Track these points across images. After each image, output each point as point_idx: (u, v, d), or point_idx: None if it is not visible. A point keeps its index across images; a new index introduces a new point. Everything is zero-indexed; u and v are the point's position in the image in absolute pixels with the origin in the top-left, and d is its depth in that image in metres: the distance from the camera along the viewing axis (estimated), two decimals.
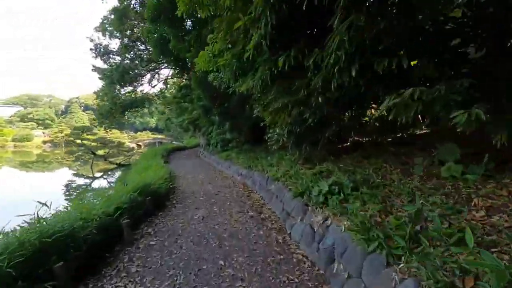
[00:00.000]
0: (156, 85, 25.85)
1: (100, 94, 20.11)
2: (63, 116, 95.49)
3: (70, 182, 21.35)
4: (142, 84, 23.97)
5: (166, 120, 35.01)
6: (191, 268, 3.99)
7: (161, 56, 16.33)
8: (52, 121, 62.91)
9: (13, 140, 42.73)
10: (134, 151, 28.65)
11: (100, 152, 25.09)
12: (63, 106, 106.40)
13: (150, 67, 23.51)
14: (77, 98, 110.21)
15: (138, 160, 17.77)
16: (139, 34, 19.37)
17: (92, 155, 23.24)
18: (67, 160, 24.79)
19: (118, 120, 21.87)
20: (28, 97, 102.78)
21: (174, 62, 15.62)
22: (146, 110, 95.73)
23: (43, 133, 46.66)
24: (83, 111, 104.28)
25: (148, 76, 24.37)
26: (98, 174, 24.16)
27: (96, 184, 21.45)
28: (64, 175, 22.45)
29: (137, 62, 20.67)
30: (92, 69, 19.87)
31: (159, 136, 53.91)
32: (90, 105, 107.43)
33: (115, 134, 47.78)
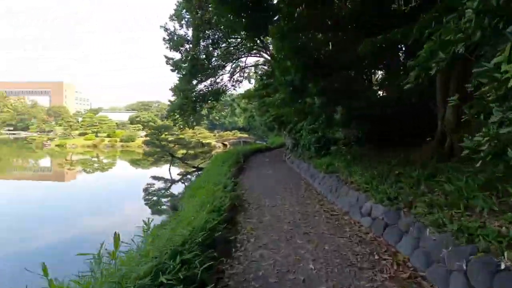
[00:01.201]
0: (238, 81, 22.18)
1: (175, 89, 17.48)
2: (167, 119, 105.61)
3: (149, 186, 19.58)
4: (221, 78, 20.59)
5: (248, 118, 31.54)
6: None
7: (234, 30, 12.15)
8: (154, 123, 68.81)
9: (121, 141, 46.97)
10: (213, 152, 26.04)
11: (180, 153, 23.01)
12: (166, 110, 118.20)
13: (229, 57, 19.91)
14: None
15: (208, 166, 14.19)
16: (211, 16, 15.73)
17: (170, 157, 21.13)
18: (148, 161, 23.65)
19: (192, 116, 19.10)
20: (142, 104, 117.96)
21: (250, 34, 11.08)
22: (236, 109, 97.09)
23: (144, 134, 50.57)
24: None
25: (228, 68, 20.82)
26: (177, 177, 22.10)
27: (175, 189, 19.13)
28: (144, 176, 20.82)
29: (211, 48, 17.16)
30: (166, 62, 17.35)
31: (244, 135, 51.84)
32: None
33: (204, 134, 47.67)
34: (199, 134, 46.39)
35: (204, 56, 17.45)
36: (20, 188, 20.95)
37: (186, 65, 17.12)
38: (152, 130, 20.83)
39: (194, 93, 17.36)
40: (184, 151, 21.52)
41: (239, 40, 19.09)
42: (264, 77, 20.59)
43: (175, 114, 17.78)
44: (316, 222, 5.29)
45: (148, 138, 20.96)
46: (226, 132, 63.71)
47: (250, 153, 19.39)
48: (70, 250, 8.54)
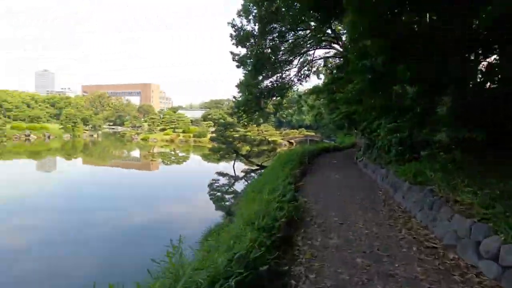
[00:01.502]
0: (306, 75, 20.73)
1: (240, 86, 17.09)
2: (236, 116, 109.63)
3: (214, 181, 19.88)
4: (288, 73, 19.48)
5: (315, 116, 29.69)
6: None
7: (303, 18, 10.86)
8: (224, 120, 71.86)
9: (193, 136, 50.20)
10: (278, 150, 25.13)
11: (244, 150, 22.82)
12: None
13: (297, 51, 18.62)
14: None
15: (270, 166, 13.27)
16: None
17: (234, 154, 21.06)
18: (214, 157, 24.16)
19: (257, 113, 18.45)
20: (214, 102, 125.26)
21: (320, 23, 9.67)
22: (304, 107, 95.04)
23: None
24: None
25: (295, 62, 19.58)
26: (241, 174, 21.99)
27: (238, 186, 19.00)
28: (210, 171, 21.25)
29: (277, 41, 16.17)
30: (232, 58, 17.09)
31: (310, 134, 49.66)
32: None
33: (270, 131, 47.35)
34: (265, 131, 46.25)
35: (270, 50, 16.57)
36: (116, 174, 24.25)
37: (251, 60, 16.53)
38: (218, 127, 21.06)
39: (259, 89, 16.66)
40: (248, 148, 21.22)
41: (307, 32, 17.64)
42: (335, 71, 18.69)
43: (240, 111, 17.42)
44: (404, 257, 3.77)
45: (214, 135, 21.30)
46: (292, 130, 62.37)
47: (316, 153, 17.85)
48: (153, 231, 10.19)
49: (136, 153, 41.05)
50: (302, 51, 19.39)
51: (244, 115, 17.77)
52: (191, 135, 50.90)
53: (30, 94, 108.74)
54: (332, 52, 19.88)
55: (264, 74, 17.35)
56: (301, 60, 20.13)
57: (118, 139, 54.40)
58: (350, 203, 6.69)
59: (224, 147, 20.11)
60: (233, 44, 16.84)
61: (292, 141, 47.42)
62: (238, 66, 16.81)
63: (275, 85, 17.28)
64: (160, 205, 14.21)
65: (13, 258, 7.91)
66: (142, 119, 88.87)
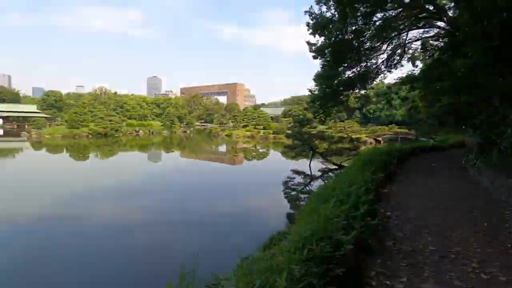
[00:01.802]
0: (396, 62, 17.74)
1: (317, 78, 15.61)
2: None
3: (289, 179, 19.09)
4: (374, 61, 16.99)
5: (409, 109, 25.52)
6: None
7: None
8: (304, 116, 70.21)
9: (273, 133, 50.50)
10: (362, 149, 22.39)
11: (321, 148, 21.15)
12: None
13: (385, 34, 15.93)
14: None
15: (348, 166, 11.48)
16: None
17: (311, 152, 19.65)
18: (290, 154, 23.22)
19: (335, 107, 16.53)
20: (296, 98, 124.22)
21: None
22: (394, 101, 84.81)
23: None
24: None
25: (384, 47, 16.92)
26: (318, 173, 20.51)
27: (315, 185, 17.77)
28: (285, 169, 20.50)
29: (361, 23, 14.02)
30: (309, 49, 15.74)
31: (402, 131, 43.36)
32: None
33: (353, 127, 43.52)
34: (347, 127, 42.76)
35: (352, 36, 14.56)
36: (203, 167, 26.43)
37: (330, 49, 14.88)
38: (294, 123, 20.04)
39: (338, 81, 14.81)
40: (326, 146, 19.53)
41: (399, 11, 14.79)
42: (436, 54, 15.28)
43: (316, 105, 15.94)
44: None
45: (289, 131, 20.39)
46: (380, 127, 56.03)
47: (408, 153, 15.00)
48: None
49: (221, 148, 43.69)
50: (393, 34, 16.48)
51: (320, 110, 16.24)
52: (271, 131, 51.31)
53: (142, 96, 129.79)
54: (433, 31, 16.29)
55: (345, 65, 15.42)
56: (392, 44, 17.18)
57: (206, 135, 59.42)
58: (456, 226, 4.81)
59: (299, 144, 18.99)
60: (309, 33, 15.49)
61: (380, 139, 42.38)
62: (315, 57, 15.36)
63: (357, 75, 15.08)
64: (236, 198, 14.96)
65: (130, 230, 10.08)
66: (228, 116, 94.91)
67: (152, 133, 54.66)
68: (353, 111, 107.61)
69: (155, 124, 59.93)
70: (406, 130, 41.99)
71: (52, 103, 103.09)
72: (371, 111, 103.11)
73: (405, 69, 43.85)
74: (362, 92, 17.42)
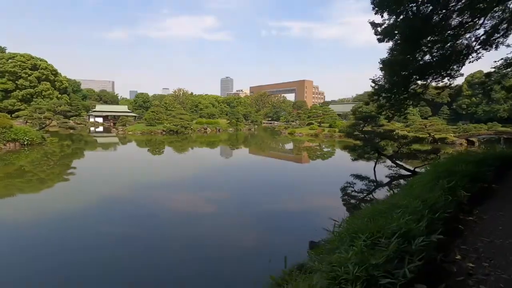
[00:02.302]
0: (497, 39, 13.49)
1: (384, 65, 12.72)
2: None
3: (348, 185, 16.67)
4: (463, 40, 13.21)
5: None
6: None
7: None
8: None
9: (339, 131, 46.62)
10: (446, 151, 18.09)
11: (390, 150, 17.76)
12: None
13: (482, 4, 12.06)
14: None
15: (417, 177, 8.60)
16: None
17: (376, 154, 16.60)
18: (350, 156, 20.26)
19: (405, 101, 13.16)
20: (368, 94, 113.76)
21: None
22: (497, 93, 70.46)
23: None
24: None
25: (481, 21, 13.00)
26: (385, 179, 17.35)
27: (380, 193, 15.00)
28: (345, 172, 18.00)
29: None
30: (374, 32, 13.00)
31: (507, 130, 34.38)
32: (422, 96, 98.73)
33: (437, 126, 36.61)
34: (429, 126, 36.22)
35: (431, 8, 11.35)
36: (266, 164, 25.90)
37: (401, 29, 11.94)
38: (356, 120, 17.28)
39: (411, 67, 11.67)
40: (395, 148, 16.26)
41: None
42: None
43: (381, 98, 13.03)
44: None
45: (349, 130, 17.70)
46: (475, 125, 46.17)
47: None
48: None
49: (288, 146, 42.44)
50: (495, 4, 12.35)
51: (387, 104, 13.22)
52: (336, 129, 47.52)
53: (214, 96, 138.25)
54: None
55: (421, 48, 12.20)
56: (493, 19, 12.96)
57: (269, 133, 58.97)
58: None
59: (361, 145, 16.23)
60: (374, 12, 12.78)
61: (474, 139, 34.51)
62: (380, 40, 12.53)
63: (438, 57, 11.65)
64: (286, 199, 13.86)
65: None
66: (292, 114, 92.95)
67: (219, 130, 56.89)
68: (441, 107, 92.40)
69: (222, 122, 62.35)
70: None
71: (141, 103, 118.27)
72: (464, 106, 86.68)
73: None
74: (446, 81, 13.60)
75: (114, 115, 67.72)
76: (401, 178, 17.08)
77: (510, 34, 13.29)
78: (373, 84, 12.62)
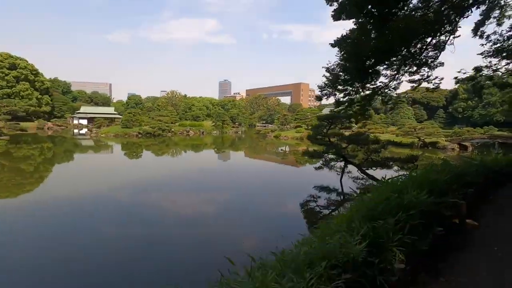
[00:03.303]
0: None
1: (340, 46, 9.72)
2: (390, 112, 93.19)
3: (310, 199, 13.82)
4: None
5: None
6: None
7: None
8: (369, 116, 60.23)
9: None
10: (437, 158, 15.19)
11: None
12: (392, 102, 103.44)
13: None
14: (405, 92, 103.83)
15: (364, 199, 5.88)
16: None
17: (343, 161, 13.63)
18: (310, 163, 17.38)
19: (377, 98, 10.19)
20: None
21: None
22: (491, 96, 67.48)
23: None
24: (411, 105, 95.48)
25: None
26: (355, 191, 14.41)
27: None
28: (308, 184, 15.07)
29: None
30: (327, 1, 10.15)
31: (503, 134, 31.49)
32: (418, 99, 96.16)
33: (428, 129, 33.63)
34: (419, 129, 33.27)
35: None
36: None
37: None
38: (321, 121, 14.35)
39: (369, 47, 8.73)
40: (364, 154, 13.31)
41: None
42: None
43: (337, 93, 10.03)
44: None
45: (313, 133, 14.75)
46: (470, 128, 43.26)
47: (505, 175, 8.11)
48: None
49: (262, 149, 39.47)
50: None
51: (345, 101, 10.29)
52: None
53: (209, 98, 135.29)
54: None
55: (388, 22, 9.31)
56: None
57: (255, 136, 56.11)
58: None
59: (322, 151, 13.31)
60: None
61: (467, 143, 31.61)
62: (336, 18, 9.71)
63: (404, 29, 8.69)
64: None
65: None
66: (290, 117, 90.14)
67: (202, 133, 54.01)
68: (437, 110, 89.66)
69: (207, 124, 59.42)
70: (508, 133, 30.09)
71: (133, 105, 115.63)
72: (460, 109, 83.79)
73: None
74: (427, 71, 10.68)
75: (100, 117, 64.82)
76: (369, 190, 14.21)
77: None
78: (327, 74, 9.70)
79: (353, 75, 9.09)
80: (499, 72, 16.11)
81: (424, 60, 10.31)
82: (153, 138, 41.66)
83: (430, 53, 10.06)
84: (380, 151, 13.24)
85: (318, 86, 10.00)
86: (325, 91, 9.90)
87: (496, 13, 12.07)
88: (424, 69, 11.47)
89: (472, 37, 12.52)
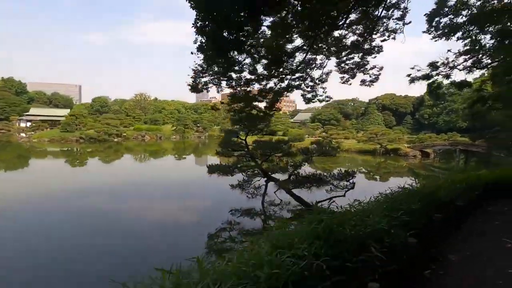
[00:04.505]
0: None
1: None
2: (361, 118, 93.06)
3: (223, 227, 10.59)
4: None
5: (471, 104, 14.69)
6: None
7: None
8: (337, 121, 58.56)
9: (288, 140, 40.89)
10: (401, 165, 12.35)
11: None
12: (363, 108, 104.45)
13: None
14: (375, 99, 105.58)
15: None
16: None
17: (264, 178, 10.39)
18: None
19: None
20: (338, 103, 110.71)
21: None
22: (456, 104, 68.42)
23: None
24: (380, 111, 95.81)
25: None
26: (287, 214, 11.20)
27: None
28: (224, 205, 11.69)
29: None
30: None
31: (464, 140, 30.09)
32: (387, 105, 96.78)
33: (389, 135, 31.62)
34: (380, 135, 31.15)
35: None
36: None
37: None
38: (233, 125, 11.01)
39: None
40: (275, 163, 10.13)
41: None
42: None
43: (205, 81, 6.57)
44: None
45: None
46: (432, 135, 42.21)
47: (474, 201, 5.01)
48: None
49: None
50: None
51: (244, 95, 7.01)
52: (286, 138, 41.84)
53: (181, 102, 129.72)
54: None
55: None
56: None
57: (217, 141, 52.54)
58: None
59: (232, 164, 9.92)
60: None
61: (429, 150, 29.87)
62: None
63: None
64: None
65: None
66: None
67: (160, 138, 49.44)
68: (403, 116, 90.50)
69: (166, 129, 54.85)
70: (468, 140, 28.59)
71: (98, 108, 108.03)
72: (426, 116, 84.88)
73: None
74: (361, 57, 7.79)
75: (45, 120, 58.02)
76: (300, 215, 11.01)
77: None
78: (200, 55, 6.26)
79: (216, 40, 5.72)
80: (457, 69, 14.15)
81: (354, 43, 7.36)
82: (98, 143, 36.77)
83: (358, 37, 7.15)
84: (301, 165, 10.05)
85: (192, 69, 6.57)
86: (199, 78, 6.53)
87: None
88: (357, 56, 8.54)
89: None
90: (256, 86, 7.84)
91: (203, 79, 6.73)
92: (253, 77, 7.25)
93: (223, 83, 7.02)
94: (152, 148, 38.42)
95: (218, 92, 7.18)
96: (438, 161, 28.39)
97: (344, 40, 8.00)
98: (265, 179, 10.43)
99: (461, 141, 30.09)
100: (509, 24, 8.98)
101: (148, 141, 46.10)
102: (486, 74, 15.34)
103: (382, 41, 9.70)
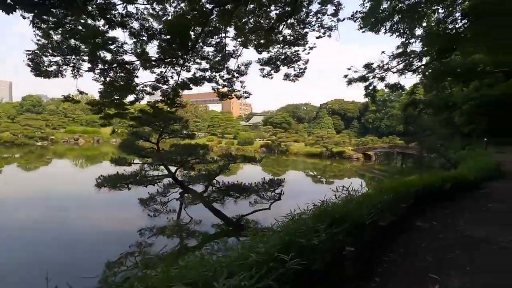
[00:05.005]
0: None
1: None
2: (313, 122, 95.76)
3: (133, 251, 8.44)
4: None
5: (405, 108, 14.67)
6: None
7: None
8: (288, 125, 59.06)
9: (238, 144, 39.58)
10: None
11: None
12: (315, 112, 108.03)
13: None
14: (326, 104, 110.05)
15: None
16: None
17: (181, 193, 8.65)
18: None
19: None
20: (292, 107, 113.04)
21: None
22: (395, 110, 73.45)
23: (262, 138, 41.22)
24: (330, 116, 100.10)
25: None
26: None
27: None
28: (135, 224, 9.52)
29: None
30: None
31: (400, 143, 31.91)
32: (336, 110, 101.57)
33: (333, 138, 32.18)
34: (326, 138, 31.48)
35: None
36: None
37: None
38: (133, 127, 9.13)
39: None
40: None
41: None
42: None
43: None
44: None
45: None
46: (374, 137, 44.60)
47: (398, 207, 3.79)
48: None
49: None
50: None
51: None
52: (236, 142, 40.42)
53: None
54: None
55: None
56: None
57: None
58: None
59: (130, 175, 8.01)
60: None
61: (371, 153, 31.05)
62: None
63: None
64: None
65: None
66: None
67: (98, 141, 44.29)
68: (351, 120, 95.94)
69: (105, 131, 49.47)
70: (403, 143, 30.42)
71: (29, 107, 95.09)
72: (370, 120, 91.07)
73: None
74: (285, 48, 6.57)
75: None
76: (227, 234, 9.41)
77: None
78: None
79: None
80: (391, 72, 14.11)
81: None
82: (15, 148, 31.09)
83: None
84: (218, 173, 8.55)
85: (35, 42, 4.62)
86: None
87: None
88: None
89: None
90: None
91: (55, 58, 4.81)
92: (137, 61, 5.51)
93: (85, 66, 5.15)
94: (82, 152, 33.84)
95: (75, 77, 5.29)
96: (379, 163, 29.55)
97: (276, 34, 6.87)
98: (181, 191, 8.65)
99: (399, 144, 31.98)
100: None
101: (83, 145, 40.85)
102: (417, 77, 15.61)
103: (318, 37, 8.89)
